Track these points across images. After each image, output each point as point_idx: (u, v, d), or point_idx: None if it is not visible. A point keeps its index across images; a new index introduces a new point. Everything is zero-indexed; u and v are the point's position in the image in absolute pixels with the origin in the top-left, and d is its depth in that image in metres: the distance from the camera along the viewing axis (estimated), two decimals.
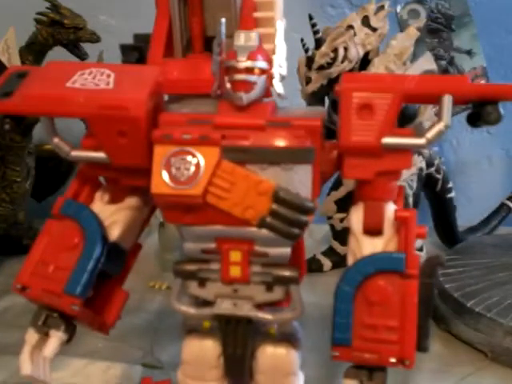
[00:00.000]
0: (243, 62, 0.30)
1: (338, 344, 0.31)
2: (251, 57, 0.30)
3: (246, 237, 0.30)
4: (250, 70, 0.30)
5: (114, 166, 0.31)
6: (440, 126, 0.30)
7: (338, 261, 0.87)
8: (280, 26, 0.31)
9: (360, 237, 0.32)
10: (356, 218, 0.33)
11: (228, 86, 0.30)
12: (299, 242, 0.34)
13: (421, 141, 0.30)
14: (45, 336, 0.33)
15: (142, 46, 0.39)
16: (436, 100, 0.30)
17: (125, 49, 0.42)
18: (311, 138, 0.30)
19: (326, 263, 0.86)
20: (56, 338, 0.32)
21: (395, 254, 0.31)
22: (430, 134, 0.30)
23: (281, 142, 0.29)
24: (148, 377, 0.40)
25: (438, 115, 0.30)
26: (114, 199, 0.34)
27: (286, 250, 0.30)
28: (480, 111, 0.30)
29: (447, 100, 0.29)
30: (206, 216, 0.30)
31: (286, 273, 0.31)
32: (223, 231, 0.30)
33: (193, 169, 0.29)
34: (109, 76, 0.31)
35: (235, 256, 0.31)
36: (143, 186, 0.31)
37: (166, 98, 0.35)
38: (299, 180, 0.29)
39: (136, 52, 0.40)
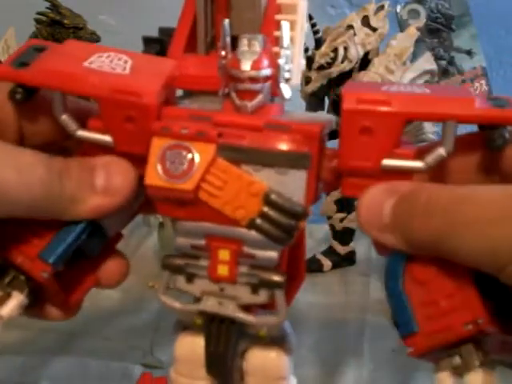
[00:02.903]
0: (247, 72, 0.29)
1: (406, 335, 0.29)
2: (255, 66, 0.29)
3: (235, 237, 0.30)
4: (254, 79, 0.30)
5: (118, 152, 0.31)
6: (441, 151, 0.30)
7: (338, 261, 0.87)
8: (286, 28, 0.30)
9: None
10: None
11: (233, 94, 0.30)
12: (300, 248, 0.33)
13: (419, 164, 0.30)
14: (6, 296, 0.32)
15: (165, 39, 0.39)
16: (440, 121, 0.30)
17: (147, 41, 0.42)
18: (308, 143, 0.29)
19: (326, 263, 0.86)
20: (17, 299, 0.32)
21: None
22: (429, 159, 0.30)
23: (276, 145, 0.29)
24: (148, 372, 0.40)
25: (441, 139, 0.30)
26: None
27: (274, 254, 0.30)
28: (485, 135, 0.30)
29: (451, 126, 0.29)
30: (197, 212, 0.30)
31: (272, 277, 0.31)
32: (213, 229, 0.30)
33: (187, 163, 0.29)
34: (126, 62, 0.31)
35: (223, 255, 0.31)
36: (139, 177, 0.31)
37: (181, 93, 0.35)
38: (293, 184, 0.29)
39: (157, 44, 0.40)
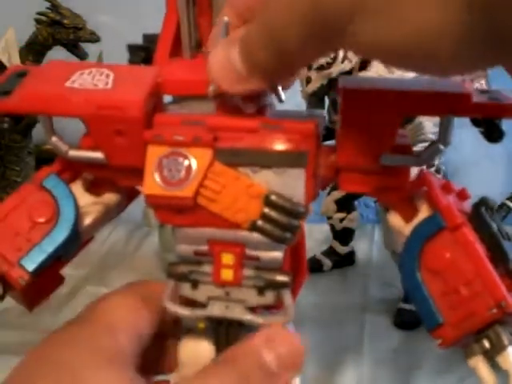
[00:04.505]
0: None
1: (432, 328, 0.30)
2: None
3: (238, 240, 0.30)
4: None
5: (112, 167, 0.31)
6: (439, 145, 0.30)
7: (338, 261, 0.87)
8: None
9: (406, 231, 0.32)
10: (397, 221, 0.32)
11: (237, 96, 0.30)
12: (300, 246, 0.33)
13: (418, 160, 0.30)
14: None
15: (150, 46, 0.39)
16: (438, 115, 0.30)
17: (132, 49, 0.42)
18: (305, 141, 0.29)
19: (326, 263, 0.86)
20: None
21: (428, 216, 0.31)
22: (427, 153, 0.30)
23: (274, 145, 0.29)
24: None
25: (438, 134, 0.30)
26: (95, 190, 0.34)
27: (278, 255, 0.30)
28: (483, 129, 0.30)
29: (448, 121, 0.30)
30: (197, 218, 0.29)
31: (278, 277, 0.31)
32: (215, 234, 0.30)
33: (184, 170, 0.29)
34: (108, 76, 0.31)
35: (227, 259, 0.30)
36: (126, 188, 0.31)
37: (171, 99, 0.34)
38: (292, 183, 0.29)
39: (142, 52, 0.40)
